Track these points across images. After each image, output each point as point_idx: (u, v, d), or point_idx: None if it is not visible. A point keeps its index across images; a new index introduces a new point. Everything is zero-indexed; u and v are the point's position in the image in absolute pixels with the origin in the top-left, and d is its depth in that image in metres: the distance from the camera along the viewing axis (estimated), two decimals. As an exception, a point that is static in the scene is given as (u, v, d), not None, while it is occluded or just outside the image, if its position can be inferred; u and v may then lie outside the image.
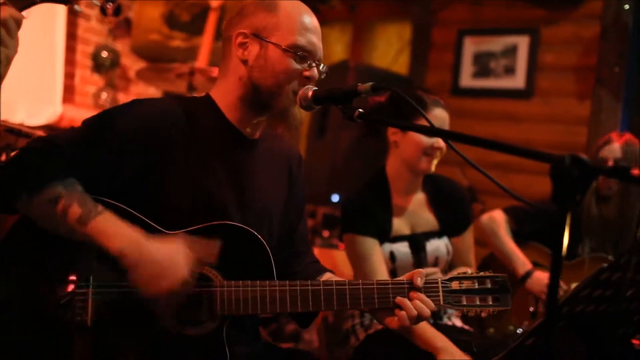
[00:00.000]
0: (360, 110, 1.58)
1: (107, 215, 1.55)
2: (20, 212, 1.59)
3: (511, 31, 4.89)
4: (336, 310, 1.79)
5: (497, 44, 4.95)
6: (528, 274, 2.82)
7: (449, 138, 1.40)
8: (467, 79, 5.06)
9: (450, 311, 2.54)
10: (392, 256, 2.44)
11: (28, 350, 1.55)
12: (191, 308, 1.61)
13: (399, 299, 1.69)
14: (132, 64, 5.45)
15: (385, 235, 2.45)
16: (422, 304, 1.68)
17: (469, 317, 2.61)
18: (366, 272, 2.35)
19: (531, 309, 2.87)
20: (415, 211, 2.55)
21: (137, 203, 1.65)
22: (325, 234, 4.62)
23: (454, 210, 2.59)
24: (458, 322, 2.54)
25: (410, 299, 1.69)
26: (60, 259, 1.58)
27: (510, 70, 4.89)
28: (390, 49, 5.75)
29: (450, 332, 2.41)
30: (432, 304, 1.70)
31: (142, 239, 1.53)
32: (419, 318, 1.68)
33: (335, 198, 4.68)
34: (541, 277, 2.80)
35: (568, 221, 1.14)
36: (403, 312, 1.67)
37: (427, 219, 2.54)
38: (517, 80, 4.86)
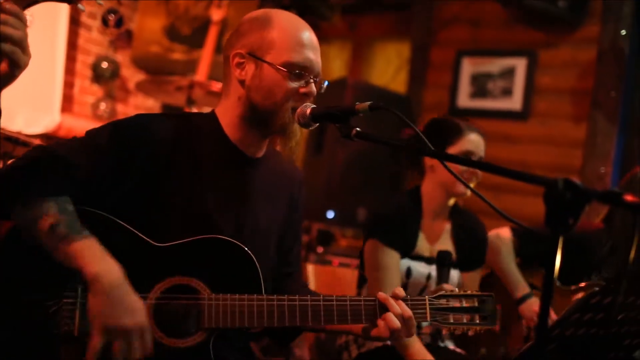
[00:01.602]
0: (358, 129, 1.59)
1: (92, 240, 1.55)
2: (13, 220, 1.59)
3: (509, 53, 4.92)
4: (322, 328, 1.79)
5: (495, 65, 4.98)
6: (524, 298, 2.80)
7: (440, 159, 1.41)
8: (464, 100, 5.09)
9: (444, 333, 2.55)
10: (408, 272, 2.47)
11: (15, 357, 1.55)
12: (178, 320, 1.62)
13: (382, 295, 1.70)
14: (132, 76, 5.47)
15: (408, 251, 2.48)
16: (402, 303, 1.69)
17: (464, 339, 2.62)
18: (380, 281, 2.38)
19: (525, 332, 2.86)
20: (439, 237, 2.58)
21: (130, 216, 1.65)
22: (320, 249, 4.61)
23: (473, 246, 2.63)
24: (451, 345, 2.54)
25: (384, 317, 1.69)
26: (48, 268, 1.57)
27: (507, 92, 4.92)
28: (389, 68, 5.79)
29: (443, 354, 2.41)
30: (409, 311, 1.69)
31: (121, 274, 1.53)
32: (404, 319, 1.68)
33: (330, 214, 4.68)
34: (534, 303, 2.78)
35: (560, 245, 1.15)
36: (389, 314, 1.67)
37: (447, 248, 2.54)
38: (514, 102, 4.88)
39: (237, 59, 1.77)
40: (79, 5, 1.34)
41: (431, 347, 2.45)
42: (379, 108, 1.57)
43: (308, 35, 1.78)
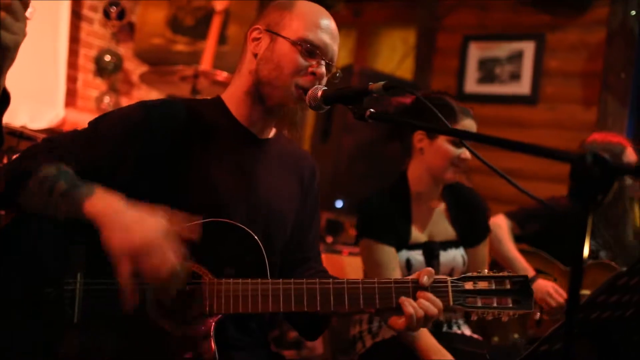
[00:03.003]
0: (372, 110, 1.54)
1: (94, 186, 1.52)
2: (20, 206, 1.58)
3: (517, 37, 4.87)
4: (334, 312, 1.69)
5: (502, 49, 4.93)
6: (531, 281, 2.75)
7: (468, 139, 1.36)
8: (471, 85, 5.03)
9: (460, 320, 2.50)
10: (408, 263, 2.38)
11: (15, 345, 1.53)
12: (181, 306, 1.58)
13: (402, 298, 1.58)
14: (135, 68, 5.43)
15: (403, 242, 2.39)
16: (428, 302, 1.57)
17: (480, 326, 2.58)
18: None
19: (537, 316, 2.83)
20: (434, 219, 2.48)
21: (137, 200, 1.60)
22: (329, 239, 4.57)
23: (472, 220, 2.53)
24: (467, 331, 2.49)
25: (416, 298, 1.59)
26: (49, 255, 1.56)
27: (515, 76, 4.86)
28: (395, 54, 5.73)
29: (458, 341, 2.37)
30: (440, 303, 1.58)
31: (122, 201, 1.49)
32: (427, 318, 1.57)
33: (339, 204, 4.64)
34: (544, 284, 2.76)
35: (589, 223, 1.10)
36: (410, 310, 1.56)
37: (445, 228, 2.48)
38: (523, 86, 4.83)
39: (254, 34, 1.81)
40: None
41: (447, 334, 2.41)
42: (393, 87, 1.53)
43: (327, 22, 1.80)
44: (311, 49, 1.74)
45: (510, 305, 1.59)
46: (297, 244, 1.94)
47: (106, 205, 1.48)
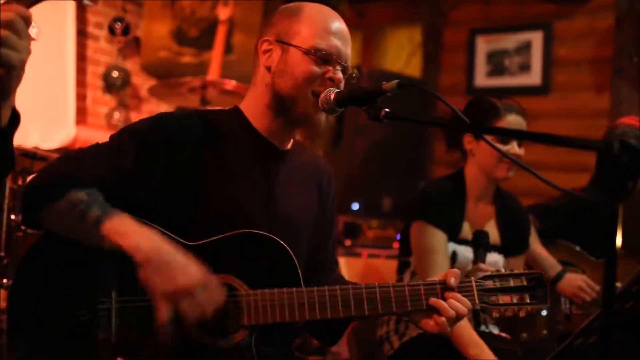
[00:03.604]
0: (387, 109, 1.52)
1: (125, 216, 1.52)
2: (43, 225, 1.57)
3: (524, 27, 4.83)
4: (367, 316, 1.71)
5: (510, 41, 4.89)
6: (559, 276, 2.73)
7: (487, 133, 1.33)
8: (481, 79, 4.99)
9: (487, 317, 2.47)
10: (453, 256, 2.40)
11: None
12: (218, 319, 1.56)
13: (433, 300, 1.61)
14: (143, 83, 5.44)
15: (454, 234, 2.41)
16: (457, 302, 1.60)
17: (508, 324, 2.54)
18: (429, 264, 2.31)
19: (566, 311, 2.78)
20: (483, 221, 2.51)
21: (161, 215, 1.62)
22: (347, 242, 4.55)
23: (517, 230, 2.56)
24: (495, 330, 2.46)
25: (445, 299, 1.62)
26: (80, 276, 1.55)
27: (525, 67, 4.82)
28: (402, 53, 5.70)
29: (488, 339, 2.33)
30: (468, 302, 1.62)
31: (160, 238, 1.50)
32: (458, 317, 1.60)
33: (355, 206, 4.62)
34: (573, 278, 2.71)
35: (620, 213, 1.07)
36: (446, 311, 1.59)
37: (492, 232, 2.45)
38: (533, 77, 4.79)
39: (264, 46, 1.77)
40: (85, 1, 1.28)
41: (475, 331, 2.38)
42: (408, 85, 1.50)
43: (337, 25, 1.76)
44: (325, 56, 1.71)
45: (528, 300, 1.67)
46: (316, 253, 1.93)
47: (147, 240, 1.48)
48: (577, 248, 2.92)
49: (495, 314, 1.69)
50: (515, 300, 1.66)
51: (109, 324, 1.52)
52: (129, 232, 1.49)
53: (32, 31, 2.68)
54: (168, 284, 1.45)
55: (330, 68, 1.72)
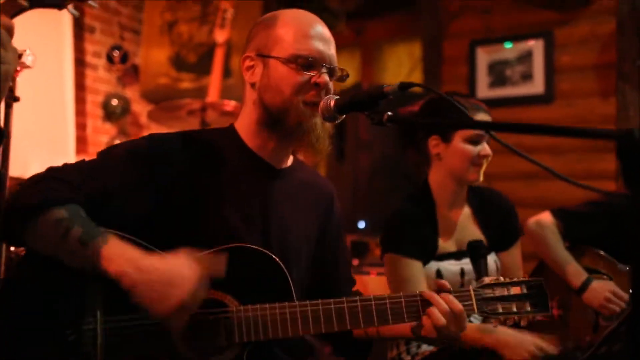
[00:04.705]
0: (389, 113, 1.45)
1: (109, 236, 1.45)
2: (27, 244, 1.52)
3: (524, 36, 4.77)
4: (364, 328, 1.68)
5: (511, 51, 4.83)
6: (585, 286, 2.56)
7: (497, 129, 1.26)
8: (483, 90, 4.93)
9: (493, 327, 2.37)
10: (438, 274, 2.28)
11: None
12: (209, 336, 1.52)
13: (426, 293, 1.60)
14: (143, 110, 5.41)
15: (431, 254, 2.30)
16: (451, 297, 1.59)
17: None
18: None
19: (592, 320, 2.62)
20: (461, 226, 2.38)
21: (151, 236, 1.55)
22: (355, 262, 4.47)
23: (501, 223, 2.42)
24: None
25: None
26: (64, 295, 1.49)
27: (527, 77, 4.76)
28: (402, 69, 5.66)
29: (497, 356, 2.24)
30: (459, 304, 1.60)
31: (141, 257, 1.43)
32: (453, 314, 1.57)
33: (361, 224, 4.55)
34: (600, 288, 2.53)
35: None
36: (433, 310, 1.57)
37: (473, 233, 2.36)
38: (536, 86, 4.72)
39: (247, 63, 1.73)
40: (70, 9, 1.23)
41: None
42: (410, 86, 1.44)
43: (316, 27, 1.71)
44: (307, 62, 1.65)
45: (529, 309, 1.64)
46: (329, 279, 1.89)
47: (129, 263, 1.41)
48: (603, 253, 2.73)
49: (495, 324, 1.65)
50: (515, 309, 1.63)
51: (95, 345, 1.45)
52: (113, 255, 1.42)
53: (28, 59, 2.64)
54: (168, 300, 1.39)
55: (315, 72, 1.66)
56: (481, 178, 2.32)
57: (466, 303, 1.61)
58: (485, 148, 2.27)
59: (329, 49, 1.70)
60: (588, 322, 2.61)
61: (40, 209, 1.47)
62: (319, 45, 1.67)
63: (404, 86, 1.44)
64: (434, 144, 2.33)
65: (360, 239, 4.53)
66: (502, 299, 1.63)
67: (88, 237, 1.43)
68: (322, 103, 1.62)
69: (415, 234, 2.28)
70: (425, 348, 2.28)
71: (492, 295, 1.63)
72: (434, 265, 2.29)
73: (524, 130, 1.11)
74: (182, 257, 1.44)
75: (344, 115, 1.61)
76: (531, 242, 2.75)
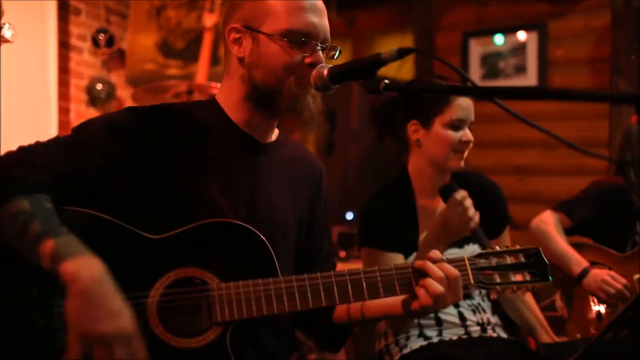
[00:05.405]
0: (387, 80, 1.37)
1: (69, 237, 1.34)
2: None
3: (518, 28, 4.73)
4: (364, 318, 1.64)
5: (504, 43, 4.79)
6: (585, 273, 2.62)
7: (498, 96, 1.18)
8: (476, 82, 4.89)
9: (493, 321, 2.29)
10: None
11: None
12: (188, 317, 1.44)
13: (418, 262, 1.51)
14: (128, 95, 5.30)
15: (412, 245, 2.19)
16: (446, 265, 1.50)
17: (516, 329, 2.37)
18: None
19: (596, 310, 2.63)
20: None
21: (126, 210, 1.48)
22: (342, 254, 4.41)
23: (488, 210, 2.26)
24: (503, 334, 2.27)
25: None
26: (34, 277, 1.38)
27: (520, 69, 4.72)
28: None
29: (497, 345, 2.16)
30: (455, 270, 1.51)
31: (104, 271, 1.31)
32: (448, 281, 1.49)
33: (349, 216, 4.48)
34: (598, 273, 2.59)
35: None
36: (427, 279, 1.48)
37: None
38: (529, 79, 4.68)
39: (233, 35, 1.61)
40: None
41: (482, 338, 2.20)
42: (408, 52, 1.36)
43: None
44: (300, 39, 1.55)
45: (528, 278, 1.56)
46: (312, 258, 1.80)
47: (85, 270, 1.29)
48: (601, 246, 2.81)
49: (493, 295, 1.59)
50: (514, 278, 1.56)
51: (64, 329, 1.33)
52: (69, 256, 1.30)
53: (7, 32, 2.50)
54: (89, 324, 1.26)
55: (310, 52, 1.56)
56: (462, 165, 2.22)
57: (461, 274, 1.53)
58: (467, 134, 2.17)
59: (323, 19, 1.61)
60: (590, 314, 2.65)
61: (5, 196, 1.37)
62: (314, 18, 1.57)
63: (402, 52, 1.35)
64: (413, 130, 2.22)
65: (348, 231, 4.46)
66: (499, 267, 1.55)
67: (46, 234, 1.33)
68: (314, 72, 1.53)
69: (393, 227, 2.18)
70: (415, 342, 2.20)
71: (487, 264, 1.55)
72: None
73: (528, 96, 1.02)
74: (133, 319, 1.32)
75: (337, 85, 1.53)
76: (534, 241, 2.78)
